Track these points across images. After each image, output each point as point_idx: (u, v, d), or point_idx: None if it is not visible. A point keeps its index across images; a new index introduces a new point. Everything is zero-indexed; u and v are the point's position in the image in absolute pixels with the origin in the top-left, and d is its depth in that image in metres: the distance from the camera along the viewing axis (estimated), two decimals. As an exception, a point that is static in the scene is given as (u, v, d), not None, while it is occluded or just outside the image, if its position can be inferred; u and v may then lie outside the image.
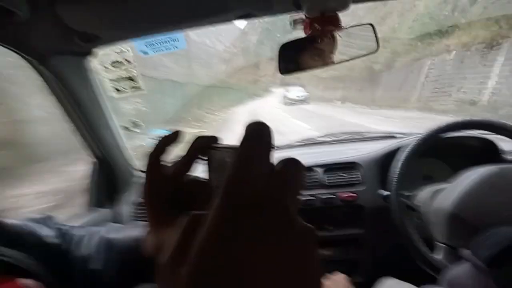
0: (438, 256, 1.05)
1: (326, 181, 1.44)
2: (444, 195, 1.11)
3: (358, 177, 1.42)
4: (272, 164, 0.27)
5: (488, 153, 1.36)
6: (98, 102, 1.25)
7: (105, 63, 1.29)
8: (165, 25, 1.05)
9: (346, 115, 13.41)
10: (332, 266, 1.40)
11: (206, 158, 0.43)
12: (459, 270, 0.47)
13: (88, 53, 1.15)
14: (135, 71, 1.26)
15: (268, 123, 0.27)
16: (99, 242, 0.59)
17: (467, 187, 1.04)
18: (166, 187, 0.40)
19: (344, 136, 1.88)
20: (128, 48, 1.21)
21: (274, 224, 0.24)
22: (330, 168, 1.47)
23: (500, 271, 0.40)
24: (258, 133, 0.26)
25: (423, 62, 13.11)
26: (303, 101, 23.71)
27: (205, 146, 0.41)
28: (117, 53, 1.24)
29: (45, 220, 0.63)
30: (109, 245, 0.58)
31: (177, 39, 1.14)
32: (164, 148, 0.38)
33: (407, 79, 13.92)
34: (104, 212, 1.41)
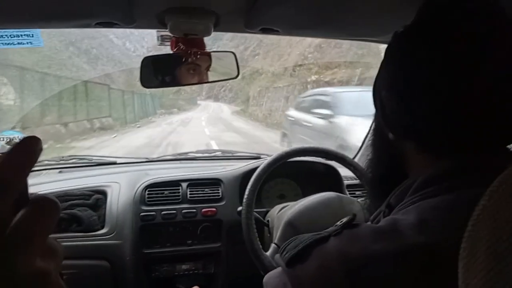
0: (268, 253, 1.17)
1: (189, 196, 1.47)
2: (288, 208, 1.25)
3: (219, 192, 1.49)
4: (26, 190, 0.25)
5: (330, 176, 1.57)
6: None
7: None
8: (17, 21, 0.97)
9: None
10: (191, 280, 1.42)
11: None
12: (272, 272, 0.54)
13: None
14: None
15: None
16: None
17: (307, 204, 1.21)
18: None
19: (216, 153, 1.96)
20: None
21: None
22: (193, 183, 1.51)
23: (293, 270, 0.48)
24: (24, 150, 0.24)
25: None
26: None
27: None
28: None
29: None
30: None
31: (32, 34, 1.06)
32: None
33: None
34: None
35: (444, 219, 0.44)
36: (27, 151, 0.24)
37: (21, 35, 1.06)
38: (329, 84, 13.01)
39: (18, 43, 1.06)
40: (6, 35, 1.05)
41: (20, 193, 0.24)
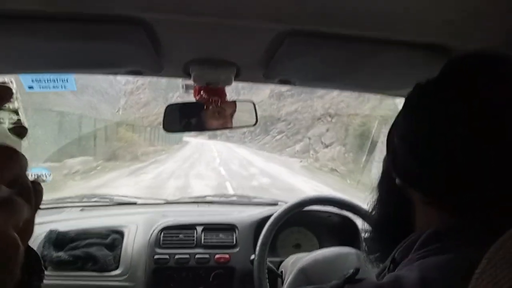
0: None
1: (203, 240, 1.46)
2: (303, 256, 1.22)
3: (233, 239, 1.47)
4: None
5: (347, 228, 1.53)
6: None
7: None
8: (53, 67, 1.05)
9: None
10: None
11: None
12: None
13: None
14: (17, 104, 1.20)
15: None
16: None
17: (324, 254, 1.17)
18: None
19: (232, 198, 1.96)
20: (12, 80, 1.16)
21: None
22: (208, 228, 1.50)
23: None
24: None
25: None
26: None
27: None
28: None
29: None
30: None
31: (67, 79, 1.14)
32: None
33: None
34: None
35: (445, 279, 0.43)
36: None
37: (57, 80, 1.15)
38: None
39: (54, 87, 1.15)
40: (43, 80, 1.14)
41: None
